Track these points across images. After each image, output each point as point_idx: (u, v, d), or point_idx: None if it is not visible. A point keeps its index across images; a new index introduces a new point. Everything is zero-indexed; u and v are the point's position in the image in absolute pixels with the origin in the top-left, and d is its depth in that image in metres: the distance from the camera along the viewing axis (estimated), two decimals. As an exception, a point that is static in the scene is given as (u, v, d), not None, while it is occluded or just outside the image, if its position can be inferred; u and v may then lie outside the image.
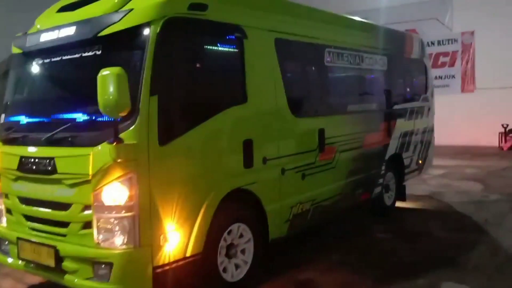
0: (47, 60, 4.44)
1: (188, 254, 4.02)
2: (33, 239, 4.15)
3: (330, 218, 6.42)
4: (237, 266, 4.59)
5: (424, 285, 4.82)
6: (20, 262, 4.32)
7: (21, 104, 4.81)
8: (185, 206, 3.98)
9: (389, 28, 7.92)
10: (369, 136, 6.73)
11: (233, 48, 4.59)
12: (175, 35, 3.96)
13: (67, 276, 3.91)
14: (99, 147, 3.63)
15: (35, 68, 4.61)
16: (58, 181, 3.96)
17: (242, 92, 4.58)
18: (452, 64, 18.67)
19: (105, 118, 3.68)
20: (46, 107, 4.45)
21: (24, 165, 4.21)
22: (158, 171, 3.77)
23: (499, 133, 16.95)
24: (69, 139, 3.92)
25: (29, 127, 4.46)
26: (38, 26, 4.66)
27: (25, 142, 4.32)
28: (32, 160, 4.12)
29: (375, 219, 7.41)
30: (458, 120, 16.98)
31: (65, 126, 3.94)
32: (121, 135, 3.60)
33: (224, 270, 4.45)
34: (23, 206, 4.32)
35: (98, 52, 3.99)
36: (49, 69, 4.52)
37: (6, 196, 4.52)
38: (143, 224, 3.68)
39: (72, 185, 3.86)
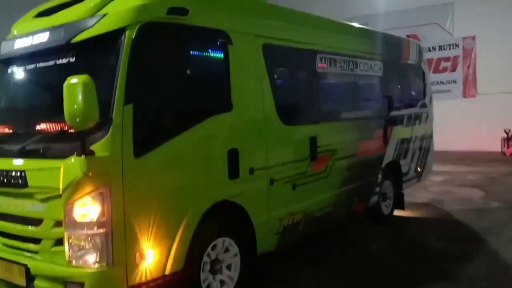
0: (21, 68, 4.26)
1: (167, 272, 3.79)
2: (5, 256, 3.94)
3: (324, 228, 6.20)
4: (222, 283, 4.36)
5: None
6: None
7: None
8: (164, 221, 3.75)
9: (384, 33, 7.71)
10: (364, 144, 6.51)
11: (217, 54, 4.38)
12: (153, 40, 3.76)
13: None
14: (70, 159, 3.41)
15: (8, 76, 4.44)
16: (29, 195, 3.75)
17: (227, 99, 4.37)
18: (453, 69, 18.43)
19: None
20: (19, 117, 4.27)
21: None
22: (133, 184, 3.55)
23: (502, 138, 16.68)
24: (41, 150, 3.72)
25: (1, 138, 4.26)
26: (15, 32, 4.47)
27: None
28: (4, 173, 3.91)
29: (372, 229, 7.17)
30: (460, 125, 16.72)
31: (37, 137, 3.75)
32: (93, 147, 3.40)
33: (208, 287, 4.22)
34: None
35: (72, 59, 3.81)
36: (23, 77, 4.35)
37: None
38: (116, 241, 3.45)
39: (44, 200, 3.66)
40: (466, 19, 17.37)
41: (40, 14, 4.37)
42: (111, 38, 3.60)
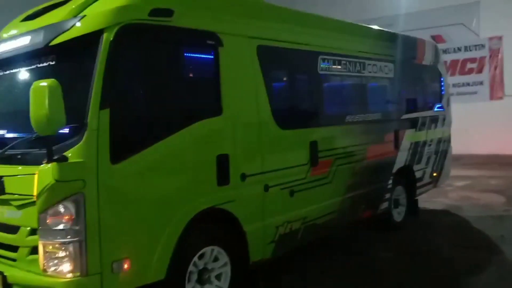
0: (3, 72, 4.18)
1: (147, 282, 3.64)
2: None
3: (330, 235, 6.00)
4: (211, 293, 4.21)
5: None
6: None
7: None
8: (144, 230, 3.62)
9: (396, 33, 7.44)
10: (372, 148, 6.27)
11: (206, 56, 4.23)
12: (133, 43, 3.63)
13: None
14: (44, 165, 3.30)
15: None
16: (7, 202, 3.67)
17: (216, 103, 4.20)
18: (479, 71, 17.88)
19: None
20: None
21: None
22: (110, 192, 3.42)
23: (529, 142, 16.09)
24: (19, 156, 3.64)
25: None
26: (4, 36, 4.41)
27: None
28: None
29: (382, 236, 6.88)
30: (486, 128, 16.15)
31: (15, 142, 3.65)
32: (67, 153, 3.28)
33: (196, 297, 4.07)
34: None
35: (51, 63, 3.71)
36: (3, 82, 4.26)
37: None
38: (91, 250, 3.32)
39: (20, 207, 3.56)
40: (493, 19, 16.79)
41: (27, 18, 4.30)
42: (89, 41, 3.48)
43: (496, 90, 17.50)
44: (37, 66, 3.82)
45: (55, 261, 3.35)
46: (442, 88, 8.36)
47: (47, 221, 3.33)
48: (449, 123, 8.47)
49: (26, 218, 3.52)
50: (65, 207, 3.29)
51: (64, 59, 3.69)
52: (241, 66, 4.48)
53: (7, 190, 3.64)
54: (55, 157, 3.23)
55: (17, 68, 4.05)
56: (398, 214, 7.26)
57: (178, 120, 3.90)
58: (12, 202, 3.62)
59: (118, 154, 3.44)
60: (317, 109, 5.58)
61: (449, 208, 8.70)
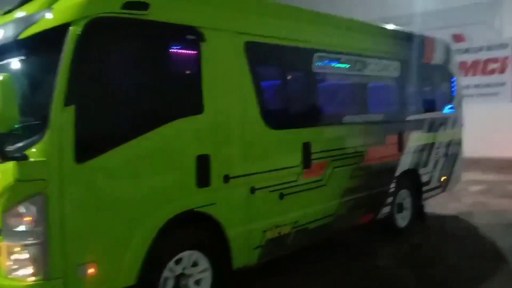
0: None
1: (116, 287, 3.50)
2: None
3: (328, 240, 5.78)
4: (189, 300, 4.04)
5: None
6: None
7: None
8: (113, 232, 3.47)
9: (403, 31, 7.17)
10: (372, 150, 6.02)
11: (186, 52, 4.06)
12: (103, 37, 3.48)
13: None
14: (7, 164, 3.17)
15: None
16: None
17: (197, 101, 4.03)
18: (502, 71, 17.33)
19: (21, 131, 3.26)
20: None
21: None
22: (75, 192, 3.28)
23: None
24: None
25: None
26: None
27: None
28: None
29: (384, 241, 6.63)
30: (507, 130, 15.65)
31: None
32: (28, 151, 3.15)
33: (172, 303, 3.91)
34: None
35: (21, 57, 3.62)
36: None
37: None
38: (54, 253, 3.19)
39: None
40: (516, 17, 16.30)
41: (7, 11, 4.19)
42: (55, 34, 3.34)
43: (518, 92, 16.96)
44: (8, 60, 3.71)
45: (18, 264, 3.22)
46: (453, 88, 8.05)
47: (9, 221, 3.21)
48: (460, 125, 8.14)
49: None
50: (26, 208, 3.17)
51: (32, 53, 3.58)
52: (225, 62, 4.30)
53: None
54: (16, 156, 3.10)
55: None
56: (402, 219, 6.98)
57: (152, 119, 3.75)
58: None
59: (83, 153, 3.30)
60: (312, 109, 5.36)
61: (460, 214, 8.36)
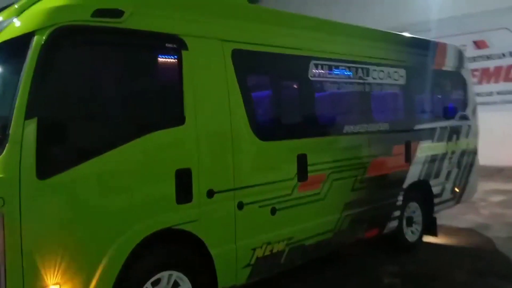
0: None
1: (84, 311, 3.29)
2: None
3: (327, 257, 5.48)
4: (170, 321, 3.80)
5: None
6: None
7: None
8: (79, 254, 3.25)
9: (410, 37, 6.87)
10: (376, 161, 5.72)
11: (165, 61, 3.85)
12: (71, 46, 3.29)
13: None
14: None
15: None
16: None
17: (177, 112, 3.81)
18: (526, 78, 16.77)
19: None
20: None
21: None
22: (36, 210, 3.07)
23: None
24: None
25: None
26: None
27: None
28: None
29: (391, 257, 6.30)
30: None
31: None
32: (-14, 167, 2.98)
33: (151, 326, 3.67)
34: None
35: None
36: None
37: None
38: (10, 276, 2.98)
39: None
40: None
41: None
42: (20, 43, 3.18)
43: (542, 99, 16.35)
44: None
45: None
46: (467, 96, 7.69)
47: None
48: (475, 134, 7.77)
49: None
50: None
51: None
52: (210, 72, 4.08)
53: None
54: None
55: None
56: (412, 234, 6.65)
57: (125, 131, 3.53)
58: None
59: (47, 169, 3.10)
60: (307, 119, 5.08)
61: (476, 227, 7.96)
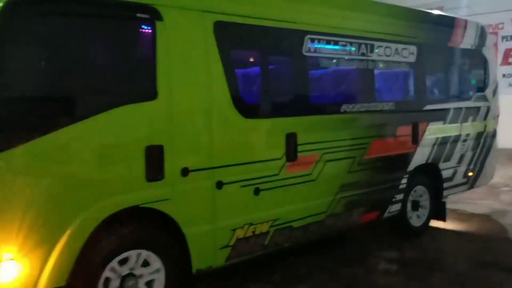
0: None
1: (40, 288, 3.23)
2: None
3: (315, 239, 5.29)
4: (138, 303, 3.71)
5: None
6: None
7: None
8: (38, 229, 3.16)
9: (423, 11, 6.47)
10: (377, 142, 5.46)
11: (135, 32, 3.69)
12: (30, 17, 3.17)
13: None
14: None
15: None
16: None
17: (148, 87, 3.65)
18: None
19: None
20: None
21: None
22: None
23: None
24: None
25: None
26: None
27: None
28: None
29: (392, 242, 6.06)
30: None
31: None
32: None
33: (118, 306, 3.59)
34: None
35: None
36: None
37: None
38: None
39: None
40: None
41: None
42: None
43: None
44: None
45: None
46: (488, 76, 7.26)
47: None
48: (494, 116, 7.35)
49: None
50: None
51: None
52: (188, 45, 3.89)
53: None
54: None
55: None
56: (418, 218, 6.38)
57: (87, 105, 3.39)
58: None
59: (2, 142, 3.02)
60: (298, 96, 4.82)
61: (492, 213, 7.60)
